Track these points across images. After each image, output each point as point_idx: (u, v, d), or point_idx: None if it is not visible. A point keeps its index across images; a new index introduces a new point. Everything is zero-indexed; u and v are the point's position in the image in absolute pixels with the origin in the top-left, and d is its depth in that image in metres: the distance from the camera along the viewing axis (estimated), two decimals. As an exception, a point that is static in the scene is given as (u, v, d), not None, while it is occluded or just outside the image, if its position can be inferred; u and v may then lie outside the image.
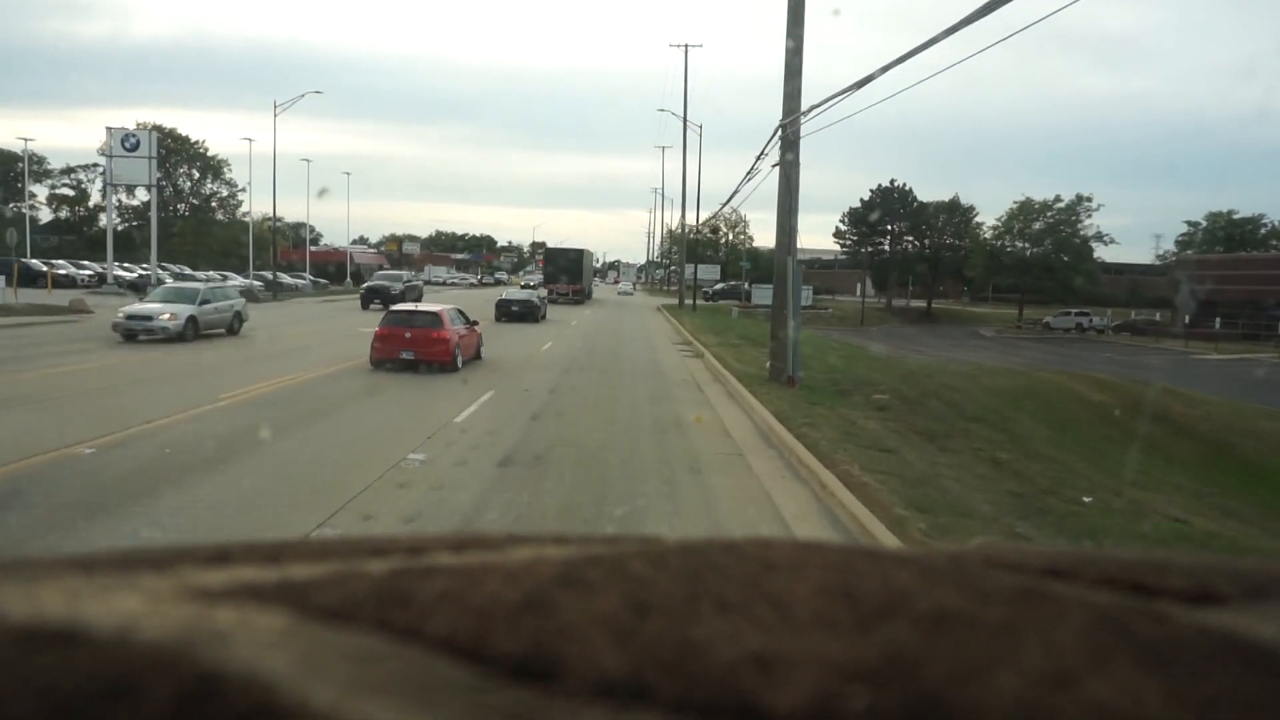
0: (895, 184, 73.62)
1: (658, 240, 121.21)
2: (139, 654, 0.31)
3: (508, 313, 33.91)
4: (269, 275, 55.91)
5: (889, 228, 72.54)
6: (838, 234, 74.95)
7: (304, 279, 60.34)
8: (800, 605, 0.37)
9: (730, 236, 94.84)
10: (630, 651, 0.33)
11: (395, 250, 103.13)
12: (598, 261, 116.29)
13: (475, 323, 19.45)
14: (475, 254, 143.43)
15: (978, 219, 71.41)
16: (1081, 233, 60.37)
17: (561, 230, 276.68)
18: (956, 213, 74.38)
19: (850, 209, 75.12)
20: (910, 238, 74.23)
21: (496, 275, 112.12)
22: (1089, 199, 59.80)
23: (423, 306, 18.33)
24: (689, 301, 54.12)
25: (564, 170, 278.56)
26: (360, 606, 0.36)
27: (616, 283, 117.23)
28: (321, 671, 0.31)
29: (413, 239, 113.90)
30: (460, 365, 17.45)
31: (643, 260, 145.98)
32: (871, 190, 74.13)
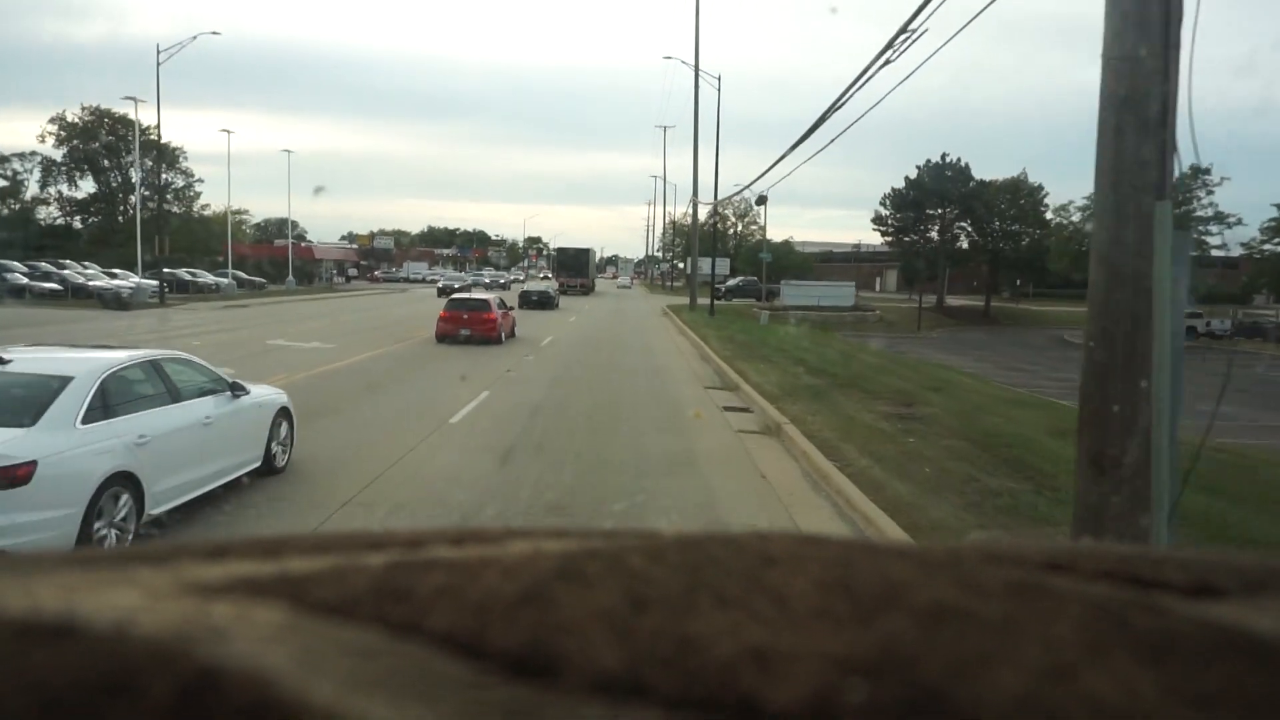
0: (948, 159, 59.62)
1: (658, 231, 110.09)
2: (136, 649, 0.31)
3: (529, 301, 39.84)
4: (187, 274, 48.16)
5: (940, 211, 58.65)
6: (878, 219, 61.54)
7: (227, 277, 50.70)
8: (799, 599, 0.36)
9: (739, 227, 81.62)
10: (628, 647, 0.33)
11: (368, 245, 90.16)
12: (597, 258, 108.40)
13: (511, 308, 25.74)
14: (465, 249, 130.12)
15: (1045, 199, 57.43)
16: (1197, 213, 46.49)
17: (555, 226, 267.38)
18: (1022, 193, 61.11)
19: (893, 190, 61.35)
20: (965, 223, 59.89)
21: (483, 271, 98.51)
22: (1207, 171, 45.99)
23: (475, 295, 25.68)
24: (701, 300, 41.61)
25: (561, 166, 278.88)
26: (358, 601, 0.36)
27: (615, 277, 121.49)
28: (320, 667, 0.31)
29: (385, 234, 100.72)
30: (503, 339, 22.59)
31: (640, 255, 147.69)
32: (919, 166, 60.20)
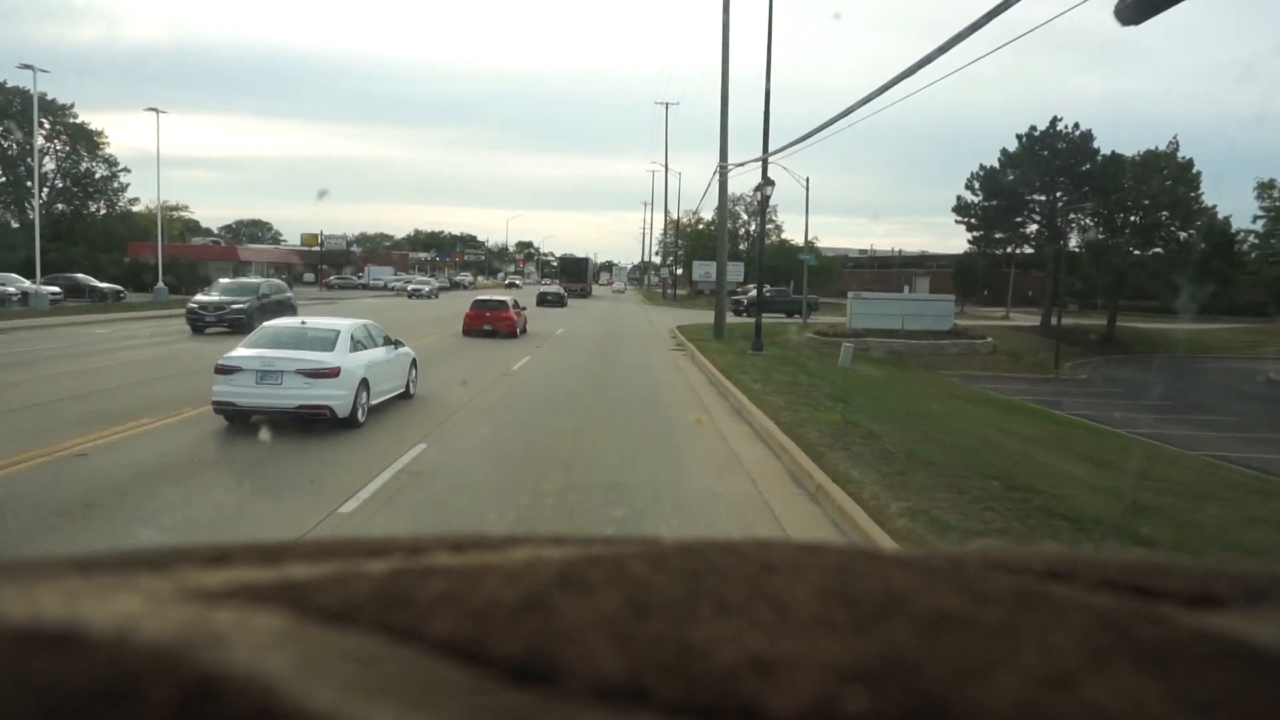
0: (1060, 127, 46.85)
1: (657, 233, 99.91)
2: (138, 655, 0.32)
3: (545, 300, 59.18)
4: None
5: (1053, 196, 45.66)
6: (960, 208, 50.04)
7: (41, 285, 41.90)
8: (799, 607, 0.38)
9: (752, 226, 69.33)
10: (630, 653, 0.34)
11: (314, 245, 77.35)
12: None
13: (524, 308, 34.93)
14: (444, 253, 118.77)
15: (1198, 178, 44.90)
16: None
17: (545, 231, 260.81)
18: (1168, 171, 46.98)
19: (982, 168, 50.76)
20: (1076, 213, 46.70)
21: (457, 279, 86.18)
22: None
23: (494, 296, 34.35)
24: (729, 321, 34.43)
25: (555, 172, 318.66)
26: (360, 607, 0.38)
27: (610, 284, 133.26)
28: (321, 673, 0.32)
29: (367, 237, 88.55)
30: (519, 334, 32.06)
31: (634, 261, 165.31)
32: (1019, 136, 49.23)
